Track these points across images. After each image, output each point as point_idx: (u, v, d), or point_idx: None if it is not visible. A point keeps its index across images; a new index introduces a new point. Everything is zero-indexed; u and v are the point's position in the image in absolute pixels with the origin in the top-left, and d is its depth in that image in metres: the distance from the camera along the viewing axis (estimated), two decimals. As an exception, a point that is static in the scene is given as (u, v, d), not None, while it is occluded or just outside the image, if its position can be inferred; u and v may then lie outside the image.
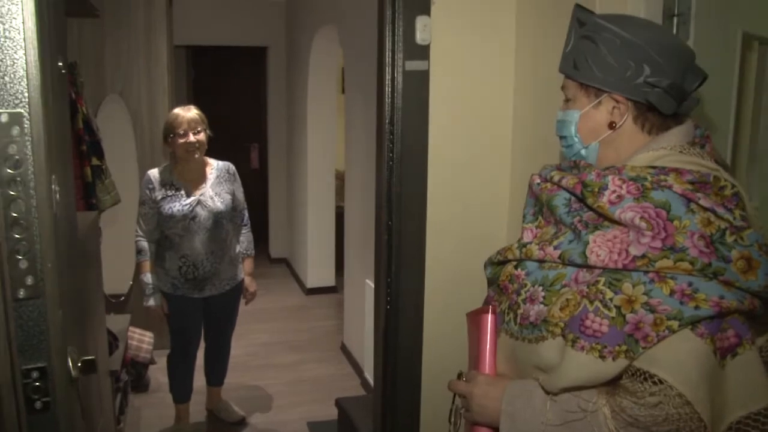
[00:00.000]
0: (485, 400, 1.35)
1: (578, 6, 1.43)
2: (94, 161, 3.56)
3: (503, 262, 1.46)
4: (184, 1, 6.40)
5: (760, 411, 1.17)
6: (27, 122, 1.17)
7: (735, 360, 1.16)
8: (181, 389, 3.78)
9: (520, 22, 2.43)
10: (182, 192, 3.41)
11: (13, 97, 1.16)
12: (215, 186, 3.52)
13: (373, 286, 3.33)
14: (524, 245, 1.38)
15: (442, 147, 2.42)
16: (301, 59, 6.56)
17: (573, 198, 1.33)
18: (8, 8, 1.14)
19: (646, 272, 1.17)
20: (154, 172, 3.46)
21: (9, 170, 1.16)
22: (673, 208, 1.18)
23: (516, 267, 1.39)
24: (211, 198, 3.46)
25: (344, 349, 5.17)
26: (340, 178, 6.45)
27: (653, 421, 1.13)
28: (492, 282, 1.50)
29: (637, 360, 1.15)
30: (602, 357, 1.15)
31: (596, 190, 1.26)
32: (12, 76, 1.15)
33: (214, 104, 8.15)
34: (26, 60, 1.16)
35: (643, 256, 1.17)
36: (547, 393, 1.25)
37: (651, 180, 1.22)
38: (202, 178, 3.51)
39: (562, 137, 1.46)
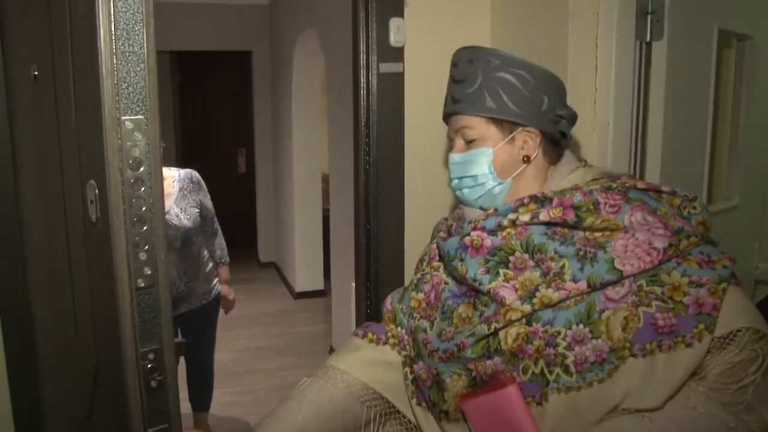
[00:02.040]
0: None
1: (482, 48, 1.48)
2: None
3: (494, 333, 1.31)
4: (167, 6, 6.38)
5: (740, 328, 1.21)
6: (146, 127, 1.28)
7: None
8: None
9: (495, 21, 2.43)
10: None
11: (136, 105, 1.27)
12: (179, 201, 3.21)
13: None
14: (531, 296, 1.27)
15: (418, 149, 2.41)
16: (285, 63, 6.55)
17: (551, 229, 1.31)
18: (135, 28, 1.25)
19: (671, 259, 1.23)
20: None
21: (132, 171, 1.29)
22: (648, 201, 1.29)
23: (528, 323, 1.28)
24: (177, 216, 3.17)
25: (332, 352, 5.14)
26: (326, 181, 6.44)
27: (753, 371, 1.18)
28: (483, 357, 1.33)
29: (718, 329, 1.18)
30: (689, 345, 1.17)
31: (592, 207, 1.27)
32: (135, 86, 1.26)
33: (201, 109, 8.16)
34: (147, 71, 1.27)
35: (670, 245, 1.23)
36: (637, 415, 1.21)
37: (616, 186, 1.31)
38: (164, 194, 3.23)
39: (466, 177, 1.44)
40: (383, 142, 2.35)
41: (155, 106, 1.30)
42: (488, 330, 1.30)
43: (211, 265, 3.45)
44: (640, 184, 1.33)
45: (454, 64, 1.50)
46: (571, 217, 1.27)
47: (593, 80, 2.00)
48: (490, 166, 1.41)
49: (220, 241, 3.51)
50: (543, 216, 1.29)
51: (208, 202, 3.38)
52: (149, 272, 1.33)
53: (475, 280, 1.35)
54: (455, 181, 1.47)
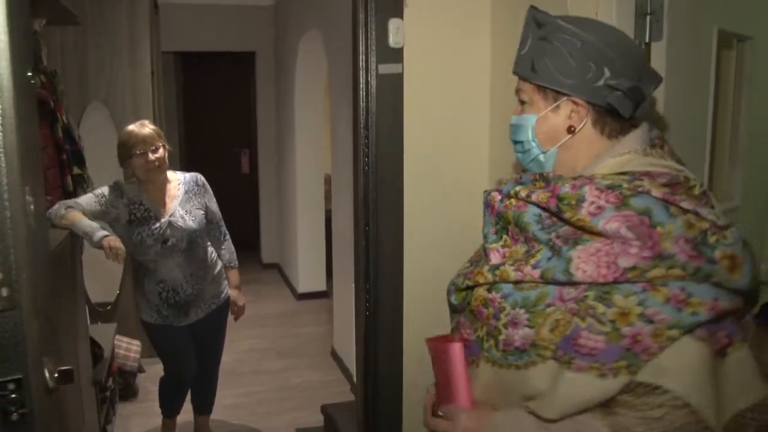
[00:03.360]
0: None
1: (534, 8, 1.40)
2: (76, 170, 3.51)
3: (471, 287, 1.38)
4: (171, 8, 6.40)
5: (751, 406, 1.16)
6: (0, 134, 1.14)
7: (727, 359, 1.15)
8: (170, 407, 3.66)
9: (495, 21, 2.42)
10: (151, 214, 3.14)
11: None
12: (184, 203, 3.24)
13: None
14: (496, 267, 1.31)
15: (417, 150, 2.41)
16: (288, 64, 6.55)
17: (545, 213, 1.28)
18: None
19: (635, 282, 1.13)
20: (124, 183, 3.21)
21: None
22: (654, 214, 1.15)
23: (489, 290, 1.31)
24: (182, 217, 3.19)
25: (334, 354, 5.15)
26: (329, 182, 6.43)
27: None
28: (460, 308, 1.44)
29: (640, 374, 1.11)
30: (602, 375, 1.12)
31: (574, 202, 1.20)
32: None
33: (205, 110, 8.18)
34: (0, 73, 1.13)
35: (634, 268, 1.13)
36: (539, 420, 1.21)
37: (628, 186, 1.18)
38: (169, 196, 3.23)
39: (517, 142, 1.42)
40: (382, 142, 2.35)
41: (17, 111, 1.16)
42: (461, 284, 1.40)
43: (219, 267, 3.45)
44: (658, 192, 1.17)
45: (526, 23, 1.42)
46: (553, 206, 1.24)
47: (592, 81, 1.99)
48: (533, 134, 1.37)
49: (229, 245, 3.53)
50: (534, 197, 1.28)
51: (214, 206, 3.40)
52: (6, 294, 1.16)
53: (484, 237, 1.40)
54: (514, 145, 1.44)
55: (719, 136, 2.58)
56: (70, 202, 3.01)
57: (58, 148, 3.40)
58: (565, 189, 1.23)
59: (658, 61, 2.05)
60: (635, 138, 1.31)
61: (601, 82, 1.27)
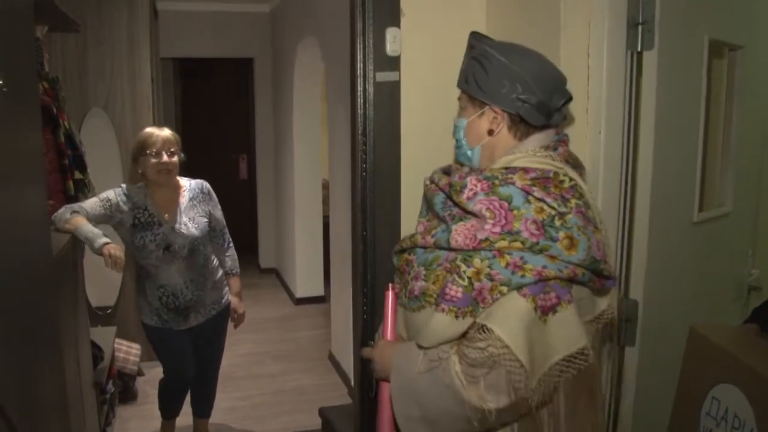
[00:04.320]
0: (382, 358, 1.72)
1: (474, 33, 1.74)
2: (77, 175, 3.53)
3: (403, 251, 1.77)
4: (169, 14, 6.44)
5: (573, 354, 1.48)
6: None
7: (555, 316, 1.46)
8: (169, 409, 3.67)
9: (490, 31, 2.46)
10: (155, 219, 3.18)
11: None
12: (189, 210, 3.28)
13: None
14: (413, 235, 1.73)
15: (414, 156, 2.44)
16: (286, 70, 6.59)
17: (445, 197, 1.65)
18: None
19: (490, 250, 1.48)
20: (130, 187, 3.25)
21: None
22: (514, 200, 1.50)
23: (409, 253, 1.73)
24: (185, 224, 3.23)
25: (332, 358, 5.18)
26: (327, 188, 6.47)
27: (482, 361, 1.45)
28: (401, 267, 1.81)
29: (479, 317, 1.47)
30: (456, 317, 1.48)
31: (458, 188, 1.58)
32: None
33: (203, 116, 8.21)
34: None
35: (486, 239, 1.48)
36: (421, 349, 1.57)
37: (501, 178, 1.54)
38: (174, 202, 3.27)
39: (456, 140, 1.75)
40: (380, 149, 2.39)
41: None
42: (397, 248, 1.81)
43: (220, 274, 3.47)
44: (520, 183, 1.51)
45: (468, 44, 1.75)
46: (447, 190, 1.63)
47: (585, 89, 2.04)
48: (464, 134, 1.72)
49: (232, 252, 3.56)
50: (440, 184, 1.67)
51: (219, 213, 3.43)
52: None
53: (420, 213, 1.85)
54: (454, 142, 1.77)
55: (711, 143, 2.62)
56: (75, 206, 3.04)
57: (59, 153, 3.43)
58: (455, 178, 1.62)
59: (649, 69, 2.09)
60: (532, 141, 1.65)
61: (513, 96, 1.60)
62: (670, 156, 2.24)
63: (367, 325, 2.52)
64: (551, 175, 1.55)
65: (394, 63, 2.36)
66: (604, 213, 1.94)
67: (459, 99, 1.74)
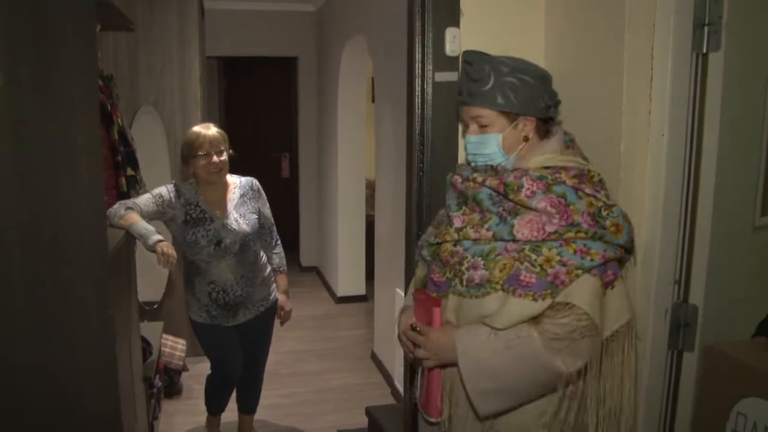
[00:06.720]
0: (438, 344, 1.80)
1: (491, 56, 1.85)
2: (129, 172, 3.59)
3: (439, 243, 1.92)
4: (215, 13, 6.50)
5: (622, 325, 1.76)
6: None
7: (612, 290, 1.74)
8: (216, 405, 3.72)
9: (549, 32, 2.44)
10: (207, 215, 3.21)
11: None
12: (239, 207, 3.31)
13: (403, 295, 3.34)
14: (460, 229, 1.85)
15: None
16: (331, 69, 6.61)
17: (494, 193, 1.81)
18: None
19: (557, 240, 1.70)
20: (181, 184, 3.30)
21: None
22: (568, 196, 1.73)
23: (455, 245, 1.86)
24: (236, 221, 3.26)
25: (374, 357, 5.18)
26: (369, 187, 6.48)
27: (565, 334, 1.66)
28: (430, 259, 1.97)
29: (558, 297, 1.66)
30: (534, 299, 1.66)
31: (515, 188, 1.76)
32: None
33: (246, 114, 8.27)
34: None
35: (555, 232, 1.70)
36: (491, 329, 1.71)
37: (551, 178, 1.76)
38: (225, 199, 3.30)
39: (479, 155, 1.87)
40: (437, 150, 2.38)
41: None
42: (432, 240, 1.96)
43: (269, 271, 3.51)
44: (570, 182, 1.75)
45: (469, 63, 1.87)
46: (501, 189, 1.78)
47: (648, 91, 2.00)
48: (499, 147, 1.84)
49: (279, 250, 3.61)
50: (487, 182, 1.81)
51: (267, 211, 3.47)
52: None
53: (448, 207, 1.95)
54: (471, 156, 1.90)
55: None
56: (129, 202, 3.08)
57: (113, 150, 3.48)
58: (510, 179, 1.78)
59: (715, 71, 2.05)
60: (555, 141, 1.87)
61: (543, 105, 1.83)
62: (734, 159, 2.19)
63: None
64: (585, 172, 1.81)
65: (453, 63, 2.34)
66: (665, 216, 2.06)
67: (475, 117, 1.85)
